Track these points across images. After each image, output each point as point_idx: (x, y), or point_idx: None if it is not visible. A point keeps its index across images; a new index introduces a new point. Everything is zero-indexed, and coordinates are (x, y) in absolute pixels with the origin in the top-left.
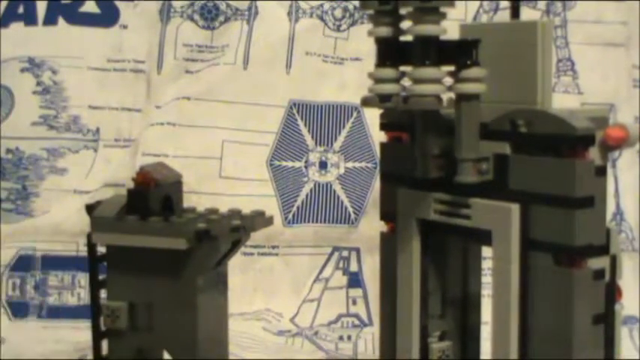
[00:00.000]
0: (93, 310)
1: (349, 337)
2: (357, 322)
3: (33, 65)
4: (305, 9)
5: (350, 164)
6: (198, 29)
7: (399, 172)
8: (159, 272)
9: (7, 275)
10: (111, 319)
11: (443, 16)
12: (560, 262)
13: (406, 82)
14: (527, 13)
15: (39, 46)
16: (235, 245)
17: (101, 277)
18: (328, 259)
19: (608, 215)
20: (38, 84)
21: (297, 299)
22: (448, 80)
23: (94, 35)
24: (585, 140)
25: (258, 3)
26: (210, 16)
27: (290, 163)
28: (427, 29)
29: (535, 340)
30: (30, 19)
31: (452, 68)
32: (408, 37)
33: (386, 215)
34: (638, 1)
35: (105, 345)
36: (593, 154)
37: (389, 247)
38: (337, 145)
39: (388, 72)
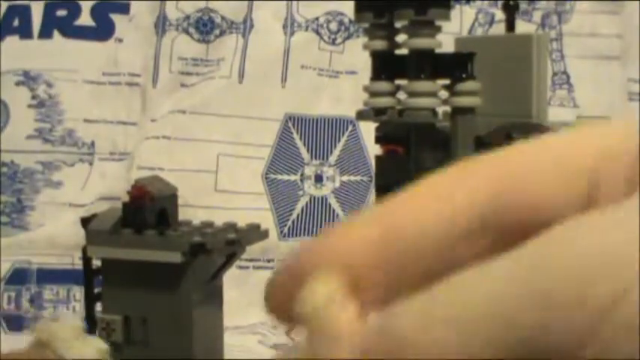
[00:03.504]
0: (88, 324)
1: None
2: None
3: (28, 78)
4: (300, 22)
5: (345, 177)
6: (194, 42)
7: (395, 186)
8: (154, 285)
9: (2, 289)
10: (106, 332)
11: (438, 29)
12: None
13: (401, 95)
14: (522, 27)
15: (34, 59)
16: (230, 259)
17: (97, 290)
18: None
19: None
20: (33, 97)
21: None
22: (443, 93)
23: (90, 49)
24: None
25: (253, 16)
26: (205, 30)
27: (285, 177)
28: (422, 42)
29: None
30: (25, 32)
31: (447, 81)
32: (404, 51)
33: None
34: (634, 15)
35: None
36: None
37: None
38: (333, 158)
39: (383, 85)
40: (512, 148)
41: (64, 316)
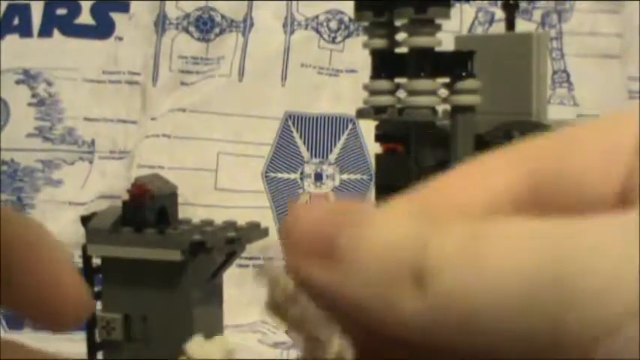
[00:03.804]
0: (88, 322)
1: None
2: None
3: (28, 77)
4: (300, 21)
5: (345, 176)
6: (194, 41)
7: (394, 184)
8: (154, 284)
9: None
10: (106, 330)
11: (438, 27)
12: None
13: (401, 93)
14: (522, 25)
15: (34, 57)
16: (230, 257)
17: (96, 288)
18: None
19: None
20: (33, 96)
21: None
22: (443, 92)
23: (90, 47)
24: None
25: (253, 15)
26: (205, 28)
27: (285, 175)
28: (422, 41)
29: None
30: (25, 30)
31: (447, 80)
32: (403, 49)
33: None
34: (633, 14)
35: (100, 357)
36: None
37: None
38: (332, 156)
39: (383, 84)
40: (556, 132)
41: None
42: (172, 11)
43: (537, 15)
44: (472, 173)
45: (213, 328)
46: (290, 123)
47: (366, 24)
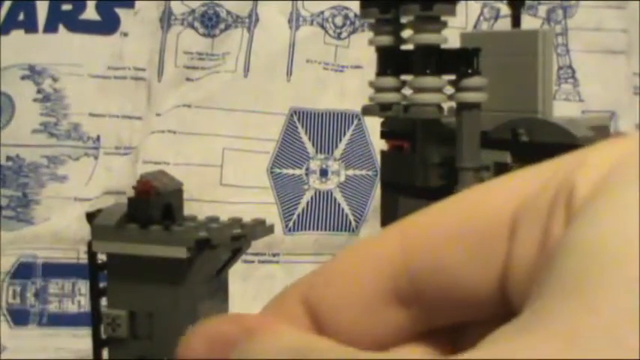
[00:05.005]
0: (93, 318)
1: None
2: None
3: (33, 73)
4: (305, 16)
5: (351, 172)
6: (199, 37)
7: (400, 181)
8: (159, 280)
9: (7, 283)
10: (111, 327)
11: (444, 24)
12: None
13: (407, 90)
14: (527, 22)
15: (39, 53)
16: (236, 253)
17: (102, 285)
18: None
19: None
20: (39, 91)
21: None
22: (449, 89)
23: (95, 43)
24: None
25: (258, 10)
26: (210, 24)
27: (290, 171)
28: (428, 38)
29: None
30: (30, 26)
31: (453, 77)
32: (409, 46)
33: (387, 223)
34: (638, 9)
35: (105, 353)
36: None
37: None
38: (338, 152)
39: (389, 81)
40: (432, 207)
41: None
42: (178, 7)
43: (543, 11)
44: (361, 259)
45: None
46: (295, 119)
47: (371, 21)
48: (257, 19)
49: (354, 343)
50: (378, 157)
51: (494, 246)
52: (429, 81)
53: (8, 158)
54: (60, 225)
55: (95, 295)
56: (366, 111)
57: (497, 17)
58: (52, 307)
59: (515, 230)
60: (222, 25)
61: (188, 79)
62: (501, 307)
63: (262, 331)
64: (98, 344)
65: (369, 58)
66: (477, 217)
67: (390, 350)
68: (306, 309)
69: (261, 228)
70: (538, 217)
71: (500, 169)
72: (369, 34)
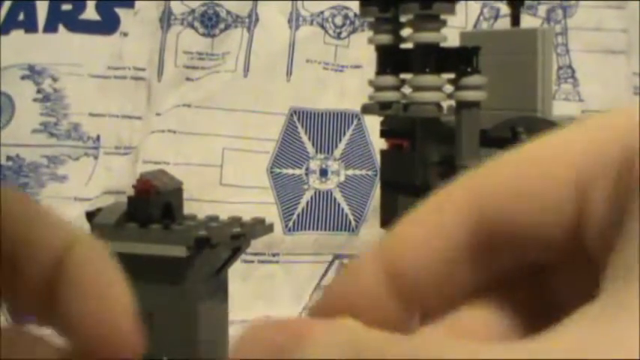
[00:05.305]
0: None
1: None
2: None
3: (33, 72)
4: (305, 16)
5: (350, 172)
6: (199, 37)
7: (400, 180)
8: (159, 280)
9: None
10: None
11: (443, 23)
12: None
13: (406, 89)
14: (527, 21)
15: (39, 53)
16: (236, 252)
17: None
18: (329, 267)
19: None
20: (38, 91)
21: (298, 307)
22: (448, 87)
23: (95, 42)
24: None
25: (258, 10)
26: (210, 24)
27: (290, 171)
28: (427, 37)
29: None
30: (30, 26)
31: (452, 76)
32: (409, 45)
33: (387, 223)
34: (638, 9)
35: None
36: None
37: None
38: (338, 152)
39: (388, 80)
40: (493, 163)
41: None
42: (177, 6)
43: (542, 11)
44: (427, 219)
45: (219, 323)
46: (295, 118)
47: (371, 20)
48: (257, 19)
49: (429, 299)
50: (377, 157)
51: (564, 198)
52: (429, 79)
53: (8, 158)
54: None
55: None
56: (366, 110)
57: (497, 17)
58: None
59: (585, 183)
60: (222, 25)
61: (188, 79)
62: (576, 250)
63: (311, 335)
64: None
65: (368, 57)
66: (543, 170)
67: (460, 308)
68: (385, 271)
69: (260, 227)
70: (606, 174)
71: None
72: (368, 34)
